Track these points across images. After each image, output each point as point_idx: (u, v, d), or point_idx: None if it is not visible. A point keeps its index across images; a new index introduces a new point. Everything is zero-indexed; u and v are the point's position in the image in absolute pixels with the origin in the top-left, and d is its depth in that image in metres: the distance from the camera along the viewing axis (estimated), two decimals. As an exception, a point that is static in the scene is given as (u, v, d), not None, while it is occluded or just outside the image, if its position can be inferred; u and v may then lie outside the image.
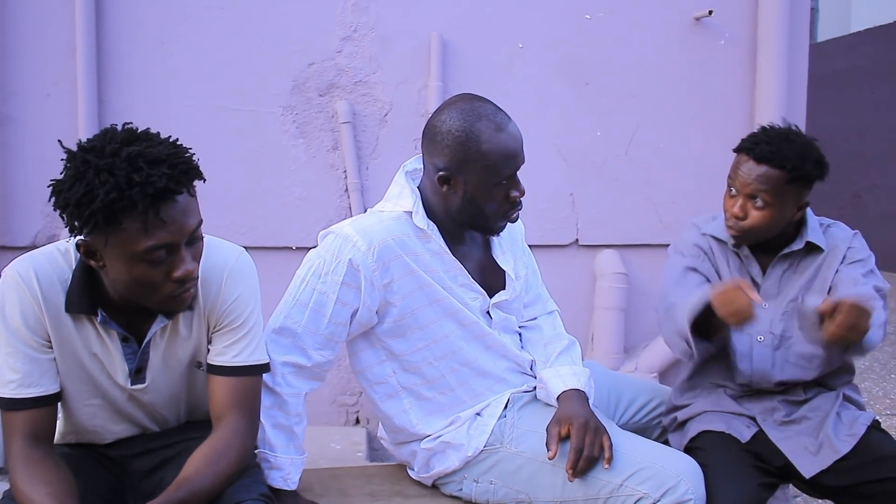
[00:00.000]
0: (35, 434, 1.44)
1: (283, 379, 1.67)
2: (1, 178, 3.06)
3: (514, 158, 1.67)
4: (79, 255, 1.44)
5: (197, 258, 1.42)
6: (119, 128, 1.37)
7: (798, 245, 1.88)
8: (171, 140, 1.38)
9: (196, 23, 3.12)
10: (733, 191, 1.84)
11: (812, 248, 1.89)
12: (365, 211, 3.18)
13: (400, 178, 1.77)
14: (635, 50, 3.35)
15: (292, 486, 1.70)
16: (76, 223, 1.31)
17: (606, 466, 1.61)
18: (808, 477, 1.78)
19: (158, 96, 3.12)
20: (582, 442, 1.61)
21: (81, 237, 1.36)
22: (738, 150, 1.86)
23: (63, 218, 1.33)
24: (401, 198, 1.73)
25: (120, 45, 3.09)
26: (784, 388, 1.91)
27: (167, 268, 1.37)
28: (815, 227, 1.91)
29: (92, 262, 1.38)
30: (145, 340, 1.52)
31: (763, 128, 1.87)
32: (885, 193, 7.37)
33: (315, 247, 1.75)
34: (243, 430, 1.53)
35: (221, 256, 1.56)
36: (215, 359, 1.57)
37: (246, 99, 3.17)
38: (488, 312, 1.81)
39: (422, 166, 1.81)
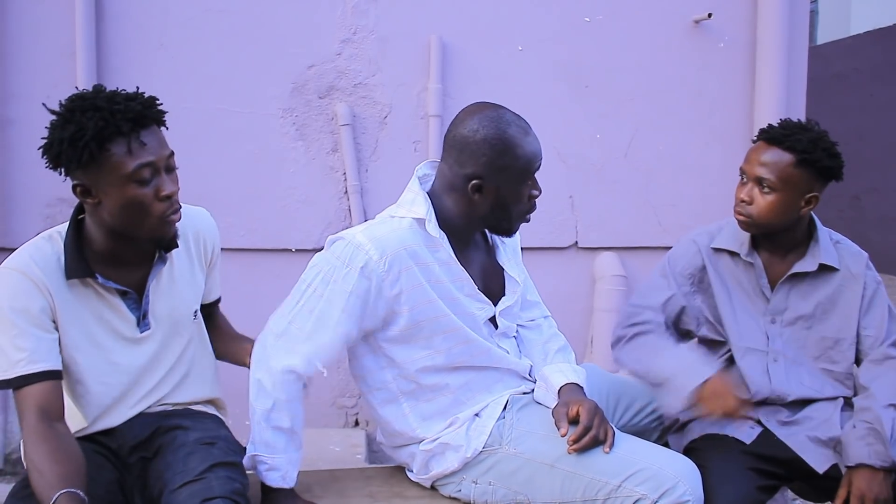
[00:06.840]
0: (47, 410, 1.52)
1: (283, 384, 1.67)
2: (0, 179, 3.07)
3: (539, 158, 1.73)
4: (67, 232, 1.60)
5: (176, 184, 1.60)
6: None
7: (811, 267, 1.90)
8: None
9: (196, 25, 3.13)
10: (744, 179, 1.88)
11: (823, 266, 1.91)
12: (364, 212, 3.20)
13: (414, 185, 1.77)
14: (634, 53, 3.35)
15: (290, 484, 1.70)
16: (71, 160, 1.49)
17: (607, 451, 1.64)
18: (821, 472, 1.78)
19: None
20: (591, 422, 1.66)
21: (77, 181, 1.53)
22: (754, 140, 1.91)
23: (59, 169, 1.53)
24: (414, 204, 1.73)
25: (119, 48, 3.09)
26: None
27: (155, 188, 1.55)
28: (828, 245, 1.92)
29: (88, 201, 1.55)
30: (146, 289, 1.67)
31: (781, 120, 1.93)
32: (884, 196, 7.36)
33: (316, 249, 1.74)
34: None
35: (193, 209, 1.79)
36: (211, 297, 1.89)
37: (245, 101, 3.18)
38: (492, 319, 1.82)
39: (431, 172, 1.81)
